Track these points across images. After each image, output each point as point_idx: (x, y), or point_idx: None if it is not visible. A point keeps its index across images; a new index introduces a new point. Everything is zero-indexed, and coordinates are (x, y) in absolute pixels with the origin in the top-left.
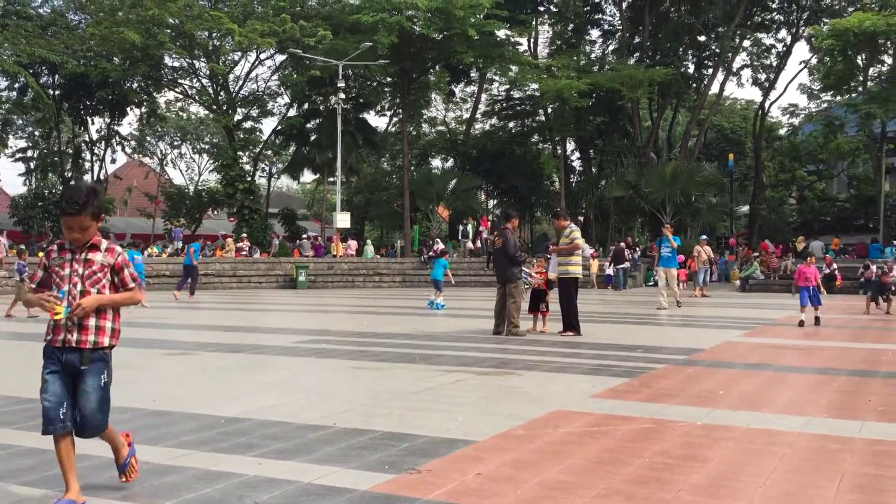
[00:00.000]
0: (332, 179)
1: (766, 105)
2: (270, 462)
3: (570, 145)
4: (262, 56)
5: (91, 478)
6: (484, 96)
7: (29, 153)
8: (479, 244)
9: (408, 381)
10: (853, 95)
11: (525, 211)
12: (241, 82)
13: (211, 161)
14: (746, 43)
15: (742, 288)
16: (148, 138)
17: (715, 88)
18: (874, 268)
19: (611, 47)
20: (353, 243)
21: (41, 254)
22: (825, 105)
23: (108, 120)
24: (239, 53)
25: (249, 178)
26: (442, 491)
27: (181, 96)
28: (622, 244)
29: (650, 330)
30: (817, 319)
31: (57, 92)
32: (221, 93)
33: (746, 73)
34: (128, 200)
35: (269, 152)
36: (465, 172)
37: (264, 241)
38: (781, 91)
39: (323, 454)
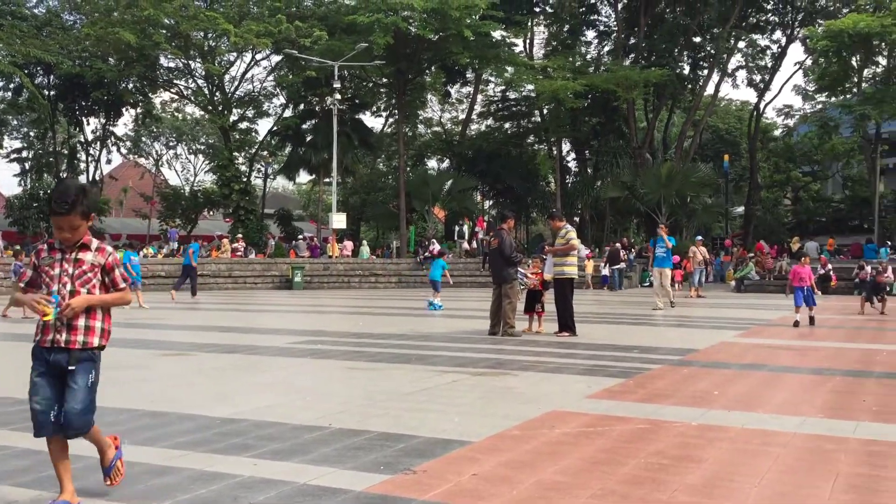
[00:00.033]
0: (327, 180)
1: (761, 106)
2: (266, 463)
3: (566, 146)
4: (258, 57)
5: (86, 479)
6: (480, 97)
7: (24, 154)
8: (474, 245)
9: (403, 381)
10: (848, 97)
11: (521, 212)
12: (236, 83)
13: (206, 162)
14: (741, 44)
15: (737, 288)
16: (143, 139)
17: (710, 89)
18: (869, 268)
19: (606, 48)
20: (348, 244)
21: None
22: (820, 106)
23: (103, 120)
24: (234, 54)
25: (245, 179)
26: (437, 492)
27: (177, 97)
28: (618, 245)
29: (645, 330)
30: (812, 319)
31: (52, 92)
32: (217, 93)
33: (741, 74)
34: (123, 201)
35: (265, 153)
36: (460, 173)
37: (260, 242)
38: (776, 92)
39: (318, 455)
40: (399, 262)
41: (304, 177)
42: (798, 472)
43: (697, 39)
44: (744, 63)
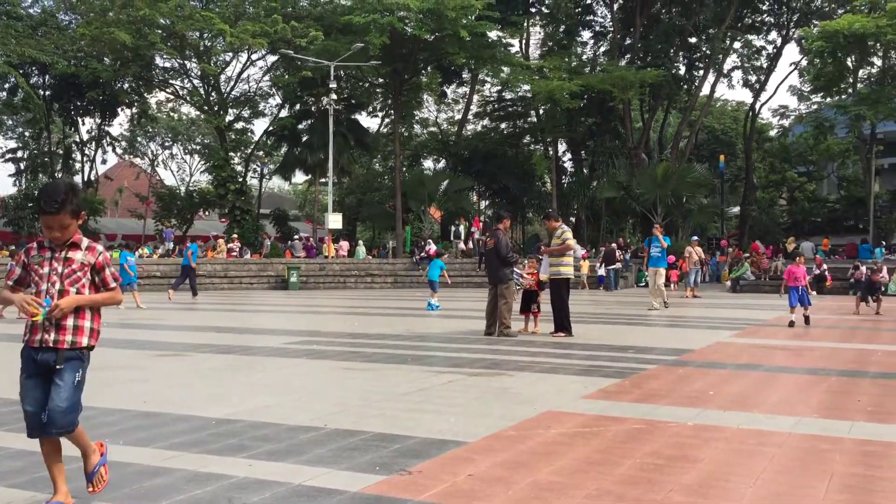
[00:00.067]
0: (323, 180)
1: (757, 106)
2: (261, 463)
3: (562, 146)
4: (254, 57)
5: (80, 480)
6: (476, 97)
7: (19, 154)
8: (470, 245)
9: (399, 382)
10: (843, 97)
11: (517, 212)
12: (232, 83)
13: (202, 162)
14: (737, 45)
15: (733, 289)
16: (139, 139)
17: (706, 90)
18: (864, 268)
19: (602, 49)
20: (344, 244)
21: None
22: (815, 107)
23: (98, 120)
24: (230, 54)
25: (241, 179)
26: (433, 492)
27: (172, 97)
28: (613, 245)
29: (641, 330)
30: (807, 319)
31: (47, 92)
32: (213, 93)
33: (737, 74)
34: (118, 201)
35: (261, 153)
36: (456, 173)
37: (256, 242)
38: (772, 93)
39: (314, 455)
40: (395, 263)
41: (300, 177)
42: (793, 472)
43: (693, 40)
44: (739, 63)
